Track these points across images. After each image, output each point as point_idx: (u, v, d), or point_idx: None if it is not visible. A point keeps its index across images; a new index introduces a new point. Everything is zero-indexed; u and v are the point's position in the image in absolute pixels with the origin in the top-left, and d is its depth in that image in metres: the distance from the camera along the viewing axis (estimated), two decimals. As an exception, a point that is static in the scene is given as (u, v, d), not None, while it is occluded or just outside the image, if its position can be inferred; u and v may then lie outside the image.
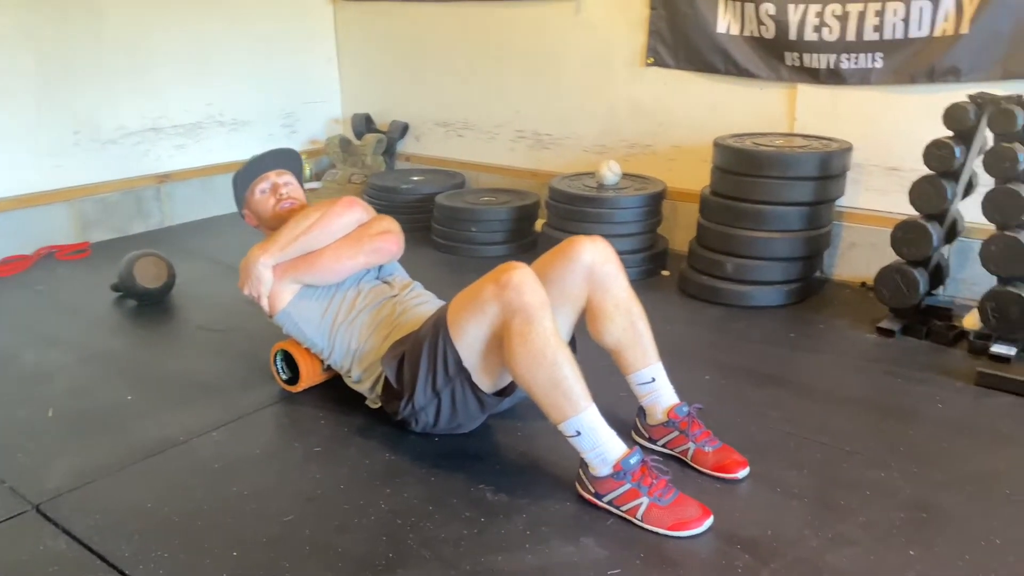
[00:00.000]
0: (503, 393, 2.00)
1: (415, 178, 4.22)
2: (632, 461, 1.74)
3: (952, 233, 2.75)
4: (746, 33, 3.33)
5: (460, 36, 4.23)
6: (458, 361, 1.90)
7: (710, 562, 1.62)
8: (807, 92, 3.26)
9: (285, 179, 2.38)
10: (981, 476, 1.92)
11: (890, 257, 3.09)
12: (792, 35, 3.19)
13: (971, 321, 2.71)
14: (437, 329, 1.93)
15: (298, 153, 2.58)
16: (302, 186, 2.45)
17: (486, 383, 1.94)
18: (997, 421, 2.19)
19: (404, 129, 4.61)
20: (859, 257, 3.26)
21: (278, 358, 2.38)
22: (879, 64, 3.05)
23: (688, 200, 3.57)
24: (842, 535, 1.70)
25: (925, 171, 2.84)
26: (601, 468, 1.76)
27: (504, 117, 4.20)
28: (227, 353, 2.64)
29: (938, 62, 2.92)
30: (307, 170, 4.65)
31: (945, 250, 2.88)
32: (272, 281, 2.22)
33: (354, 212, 2.26)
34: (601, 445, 1.75)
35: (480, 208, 3.67)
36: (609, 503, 1.76)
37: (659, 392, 2.01)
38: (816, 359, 2.60)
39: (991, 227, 2.75)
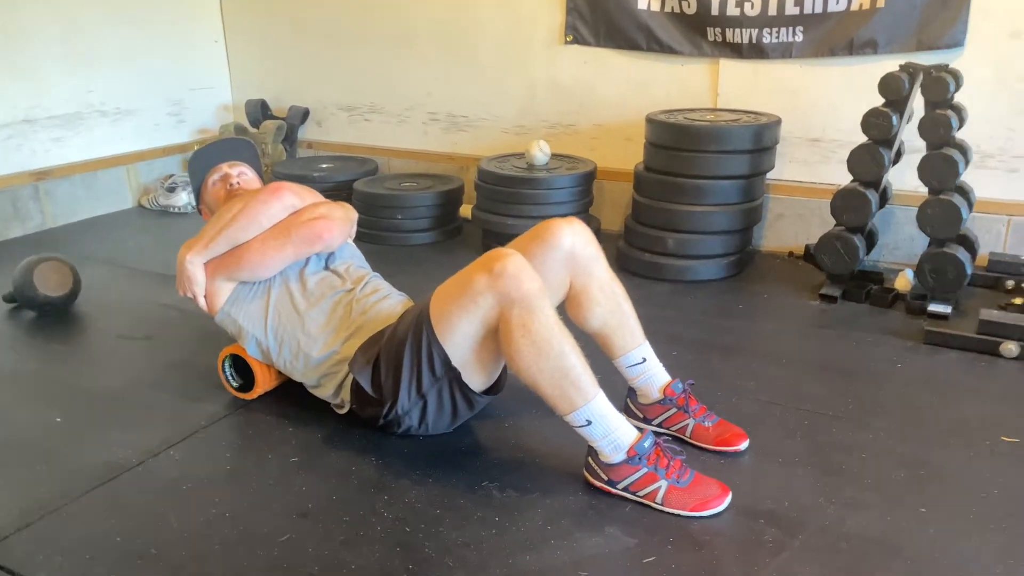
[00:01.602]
0: (493, 391, 1.91)
1: (324, 166, 4.01)
2: (646, 444, 1.69)
3: (883, 200, 2.86)
4: (667, 9, 3.34)
5: (362, 14, 4.03)
6: (446, 361, 1.78)
7: (739, 539, 1.60)
8: (730, 67, 3.30)
9: (238, 170, 2.18)
10: (958, 429, 1.99)
11: (815, 227, 3.21)
12: (714, 11, 3.22)
13: (902, 283, 2.83)
14: (420, 327, 1.79)
15: (252, 143, 2.37)
16: (261, 177, 2.25)
17: (477, 381, 1.84)
18: (953, 375, 2.29)
19: (305, 115, 4.37)
20: (786, 228, 3.35)
21: (227, 364, 2.18)
22: (800, 38, 3.13)
23: (614, 179, 3.57)
24: (855, 499, 1.72)
25: (846, 141, 2.95)
26: (614, 455, 1.70)
27: (415, 99, 4.05)
28: (159, 363, 2.40)
29: (856, 35, 3.03)
30: (200, 162, 4.33)
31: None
32: (204, 279, 2.04)
33: (282, 199, 2.05)
34: (613, 432, 1.69)
35: (404, 194, 3.52)
36: (624, 489, 1.71)
37: (651, 371, 1.96)
38: (771, 328, 2.64)
39: (914, 193, 2.90)
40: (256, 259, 2.01)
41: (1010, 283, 2.82)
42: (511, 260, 1.68)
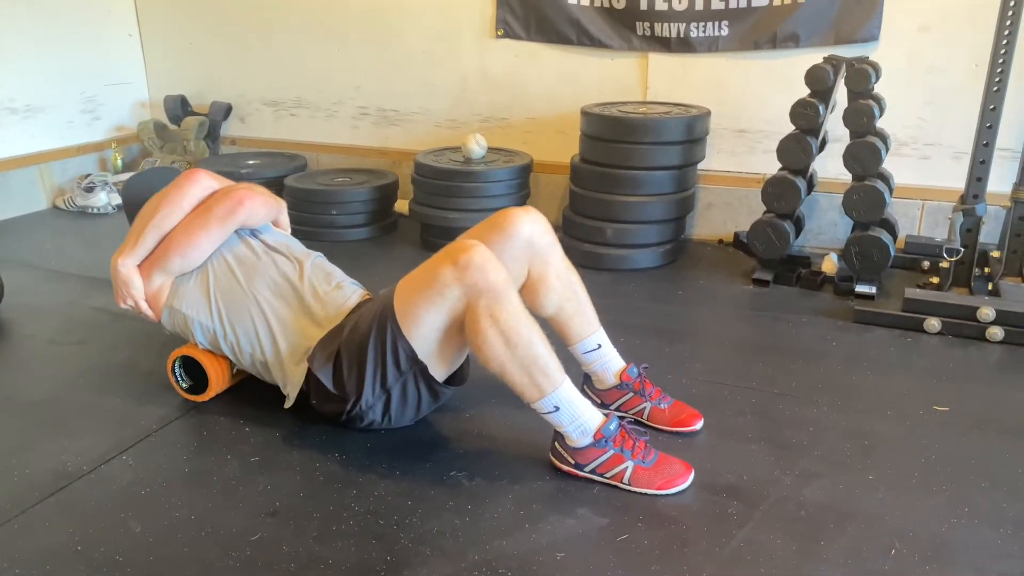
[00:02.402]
0: (456, 381, 1.92)
1: (251, 162, 3.92)
2: (612, 427, 1.73)
3: (810, 187, 2.99)
4: (597, 4, 3.40)
5: (285, 5, 3.96)
6: (411, 354, 1.78)
7: (706, 513, 1.66)
8: (658, 60, 3.39)
9: None
10: (894, 401, 2.11)
11: (743, 215, 3.34)
12: (643, 5, 3.30)
13: (829, 266, 2.97)
14: (383, 322, 1.78)
15: (175, 171, 2.32)
16: None
17: (441, 372, 1.84)
18: (883, 351, 2.42)
19: (227, 110, 4.26)
20: (715, 216, 3.46)
21: (176, 366, 2.11)
22: (725, 32, 3.24)
23: (548, 171, 3.62)
24: (808, 470, 1.80)
25: (771, 131, 3.08)
26: (581, 439, 1.73)
27: (343, 93, 4.00)
28: (97, 368, 2.31)
29: (779, 29, 3.16)
30: (117, 161, 4.18)
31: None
32: (141, 283, 2.00)
33: (199, 181, 2.04)
34: (580, 416, 1.72)
35: (338, 190, 3.48)
36: (592, 472, 1.74)
37: (607, 357, 2.01)
38: (710, 312, 2.74)
39: (836, 180, 3.06)
40: (183, 241, 1.98)
41: (926, 264, 2.99)
42: (476, 251, 1.69)
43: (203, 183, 2.04)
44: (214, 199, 2.02)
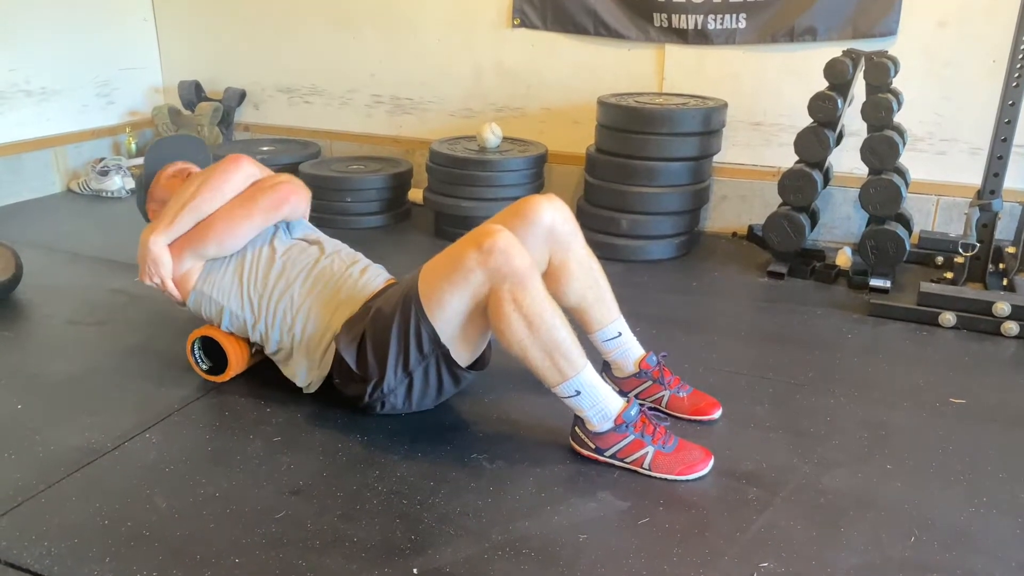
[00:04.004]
0: (478, 366, 1.93)
1: (265, 148, 3.93)
2: (632, 412, 1.74)
3: (826, 180, 3.00)
4: (615, -6, 3.40)
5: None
6: (435, 337, 1.79)
7: (725, 498, 1.67)
8: (675, 52, 3.39)
9: (193, 173, 2.15)
10: (910, 393, 2.12)
11: (757, 207, 3.34)
12: (661, -3, 3.30)
13: (843, 260, 2.98)
14: (408, 305, 1.80)
15: (204, 143, 2.33)
16: None
17: (463, 356, 1.85)
18: (898, 344, 2.43)
19: (241, 97, 4.27)
20: (730, 209, 3.47)
21: (196, 347, 2.13)
22: (743, 25, 3.24)
23: (562, 162, 3.62)
24: (826, 459, 1.82)
25: (787, 124, 3.09)
26: (602, 424, 1.75)
27: (358, 81, 4.01)
28: (117, 348, 2.33)
29: (797, 22, 3.16)
30: (131, 145, 4.19)
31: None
32: (171, 262, 1.99)
33: (242, 168, 2.03)
34: (601, 401, 1.74)
35: (353, 177, 3.48)
36: (612, 456, 1.76)
37: (627, 345, 2.02)
38: (725, 304, 2.75)
39: (851, 175, 3.07)
40: (224, 228, 1.98)
41: (940, 259, 3.00)
42: (501, 236, 1.70)
43: (246, 170, 2.03)
44: (259, 190, 2.02)
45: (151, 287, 2.04)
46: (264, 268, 2.02)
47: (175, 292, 2.05)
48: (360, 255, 2.16)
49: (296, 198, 2.05)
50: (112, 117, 4.21)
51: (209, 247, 1.99)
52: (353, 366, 1.86)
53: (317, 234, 2.18)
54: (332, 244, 2.14)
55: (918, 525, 1.59)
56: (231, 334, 2.09)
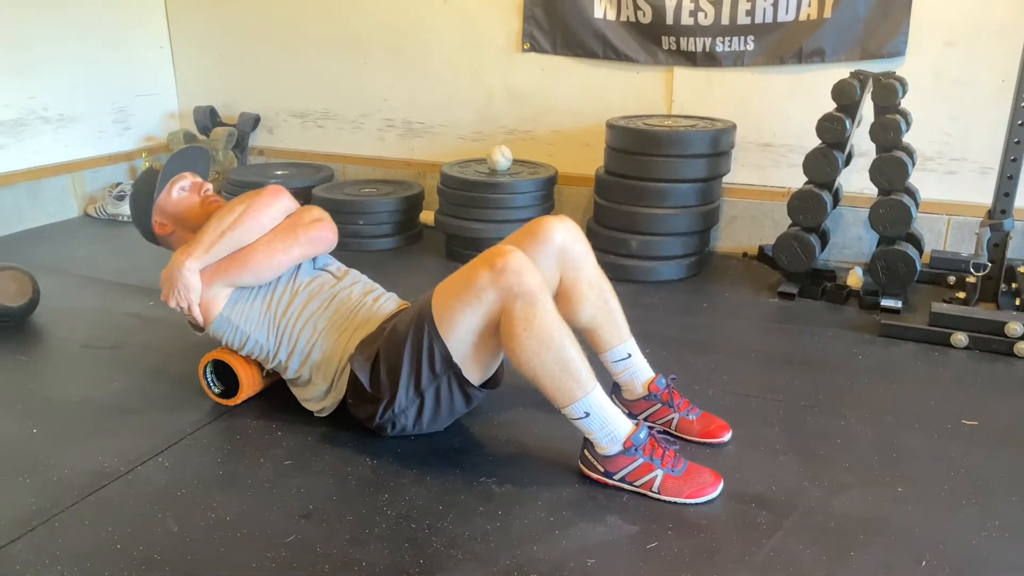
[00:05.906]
0: (490, 385, 1.94)
1: (279, 172, 3.97)
2: (642, 436, 1.75)
3: (835, 201, 3.00)
4: (623, 18, 3.43)
5: (313, 19, 4.01)
6: (447, 357, 1.81)
7: (735, 522, 1.67)
8: (684, 75, 3.41)
9: (206, 186, 2.18)
10: (922, 414, 2.11)
11: (767, 228, 3.35)
12: (669, 20, 3.33)
13: (853, 280, 2.97)
14: (421, 324, 1.82)
15: (208, 151, 2.35)
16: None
17: (475, 375, 1.86)
18: (910, 365, 2.42)
19: (256, 121, 4.32)
20: (740, 230, 3.47)
21: (208, 370, 2.15)
22: (751, 47, 3.26)
23: (571, 184, 3.64)
24: (836, 482, 1.81)
25: (796, 145, 3.09)
26: (611, 446, 1.75)
27: (370, 105, 4.05)
28: (130, 372, 2.35)
29: (805, 44, 3.17)
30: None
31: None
32: (201, 288, 2.01)
33: (281, 201, 2.07)
34: (611, 423, 1.74)
35: (365, 200, 3.52)
36: (621, 480, 1.76)
37: (636, 367, 2.02)
38: (735, 324, 2.74)
39: (860, 195, 3.07)
40: (263, 260, 2.00)
41: (951, 279, 2.99)
42: (513, 256, 1.72)
43: (285, 204, 2.07)
44: (298, 224, 2.05)
45: (173, 310, 2.05)
46: (290, 299, 2.05)
47: (199, 317, 2.06)
48: (378, 285, 2.19)
49: (334, 237, 2.11)
50: (128, 143, 4.27)
51: (246, 277, 2.01)
52: (366, 385, 1.88)
53: (338, 264, 2.21)
54: (352, 275, 2.17)
55: (929, 549, 1.58)
56: (243, 357, 2.11)
